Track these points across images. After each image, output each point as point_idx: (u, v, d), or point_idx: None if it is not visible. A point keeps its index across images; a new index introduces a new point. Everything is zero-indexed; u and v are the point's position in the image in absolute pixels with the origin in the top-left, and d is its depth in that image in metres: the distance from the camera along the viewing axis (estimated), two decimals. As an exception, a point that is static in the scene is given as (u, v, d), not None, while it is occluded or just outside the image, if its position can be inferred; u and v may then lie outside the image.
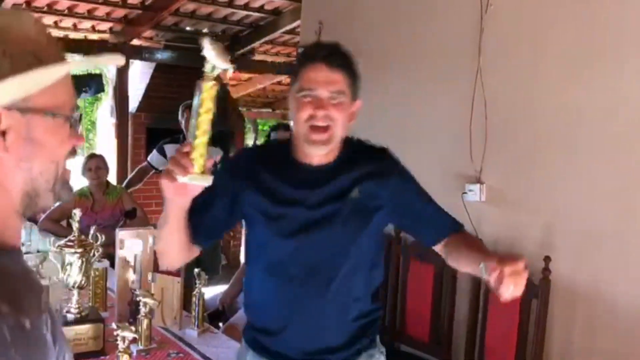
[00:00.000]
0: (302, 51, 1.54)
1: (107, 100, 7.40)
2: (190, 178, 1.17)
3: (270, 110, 9.79)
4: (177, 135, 4.14)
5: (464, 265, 1.51)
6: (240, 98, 8.06)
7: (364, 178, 1.53)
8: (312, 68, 1.44)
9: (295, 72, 1.48)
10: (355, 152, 1.57)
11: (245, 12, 5.87)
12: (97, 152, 4.59)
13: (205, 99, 1.13)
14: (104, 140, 6.92)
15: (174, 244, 1.45)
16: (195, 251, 1.52)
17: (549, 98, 2.51)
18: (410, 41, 3.09)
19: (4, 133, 0.75)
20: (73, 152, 0.85)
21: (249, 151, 1.59)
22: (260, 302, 1.62)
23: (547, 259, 2.35)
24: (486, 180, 2.68)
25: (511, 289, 1.24)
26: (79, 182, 4.01)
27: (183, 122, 4.07)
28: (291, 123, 1.59)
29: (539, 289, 2.36)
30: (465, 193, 2.69)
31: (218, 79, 1.14)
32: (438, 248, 1.60)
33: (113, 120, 5.82)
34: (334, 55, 1.45)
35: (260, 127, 10.42)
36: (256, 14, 5.94)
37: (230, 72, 1.13)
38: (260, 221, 1.54)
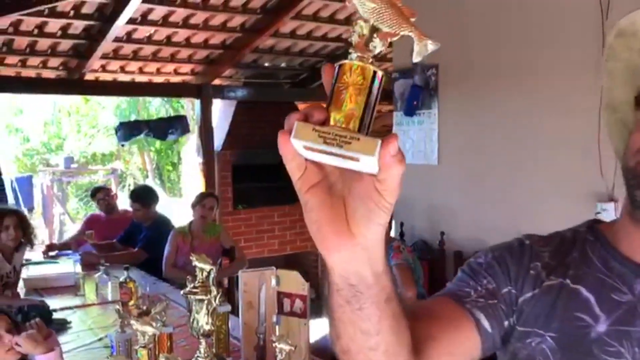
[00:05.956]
0: None
1: (190, 140, 7.54)
2: None
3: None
4: None
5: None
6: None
7: None
8: None
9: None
10: None
11: (322, 43, 5.86)
12: (184, 191, 4.61)
13: None
14: (190, 179, 7.00)
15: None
16: None
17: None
18: (529, 58, 2.91)
19: None
20: None
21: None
22: None
23: None
24: (620, 197, 2.45)
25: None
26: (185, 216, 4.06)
27: None
28: None
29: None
30: (598, 213, 2.47)
31: None
32: None
33: (199, 159, 5.87)
34: None
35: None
36: (333, 44, 5.92)
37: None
38: None
